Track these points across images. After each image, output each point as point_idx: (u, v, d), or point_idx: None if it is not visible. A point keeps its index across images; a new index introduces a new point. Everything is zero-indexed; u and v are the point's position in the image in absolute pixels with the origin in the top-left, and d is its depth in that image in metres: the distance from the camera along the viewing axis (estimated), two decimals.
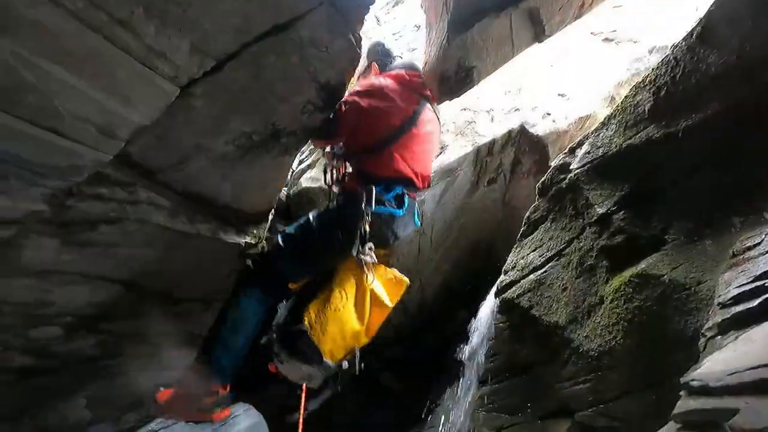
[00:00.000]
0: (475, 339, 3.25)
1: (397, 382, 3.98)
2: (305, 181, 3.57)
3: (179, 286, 2.45)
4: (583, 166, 2.56)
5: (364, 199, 1.92)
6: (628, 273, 2.19)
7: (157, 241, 2.04)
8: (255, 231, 2.64)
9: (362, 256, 1.86)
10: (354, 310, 1.91)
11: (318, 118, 2.22)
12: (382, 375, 4.06)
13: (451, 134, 3.83)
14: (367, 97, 2.09)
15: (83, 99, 1.27)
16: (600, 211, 2.40)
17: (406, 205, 2.02)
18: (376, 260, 1.93)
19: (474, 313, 3.43)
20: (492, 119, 3.92)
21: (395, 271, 2.12)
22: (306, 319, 1.84)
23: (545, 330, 2.56)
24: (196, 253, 2.29)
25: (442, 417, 3.21)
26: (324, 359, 1.85)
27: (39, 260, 1.67)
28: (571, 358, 2.41)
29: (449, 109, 3.93)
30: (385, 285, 2.03)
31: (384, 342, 2.77)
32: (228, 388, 1.93)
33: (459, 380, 3.24)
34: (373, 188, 1.96)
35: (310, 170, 3.63)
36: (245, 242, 2.52)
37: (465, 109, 3.98)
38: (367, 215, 1.90)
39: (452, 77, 2.31)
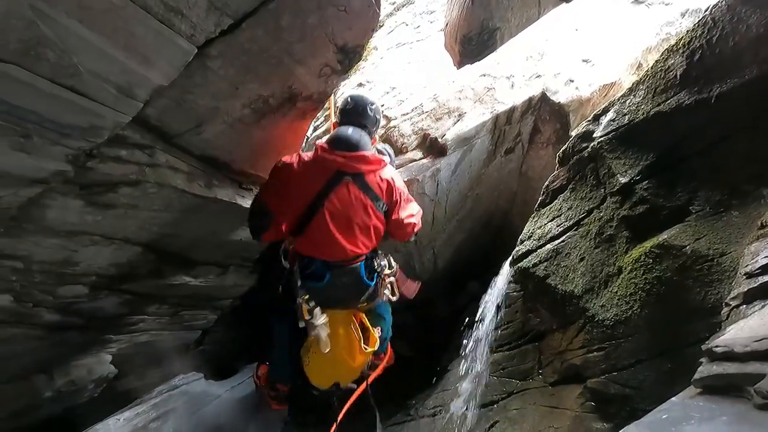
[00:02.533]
0: (487, 308, 3.27)
1: (409, 349, 4.06)
2: None
3: (196, 249, 2.50)
4: (607, 133, 2.48)
5: (286, 275, 2.29)
6: (648, 243, 2.15)
7: (175, 205, 2.07)
8: None
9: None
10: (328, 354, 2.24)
11: (334, 82, 2.18)
12: (394, 342, 4.15)
13: (469, 101, 3.72)
14: (272, 179, 2.16)
15: (102, 57, 1.26)
16: (623, 180, 2.34)
17: (325, 279, 2.19)
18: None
19: (486, 284, 3.44)
20: (512, 86, 3.79)
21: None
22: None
23: (560, 299, 2.55)
24: (212, 217, 2.32)
25: (453, 381, 3.28)
26: (314, 384, 2.42)
27: (63, 220, 1.70)
28: (585, 326, 2.41)
29: (468, 74, 3.82)
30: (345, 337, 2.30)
31: (396, 309, 2.81)
32: (287, 388, 2.64)
33: (470, 347, 3.29)
34: (295, 267, 2.23)
35: (325, 137, 3.58)
36: None
37: (484, 75, 3.85)
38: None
39: (474, 39, 2.23)
